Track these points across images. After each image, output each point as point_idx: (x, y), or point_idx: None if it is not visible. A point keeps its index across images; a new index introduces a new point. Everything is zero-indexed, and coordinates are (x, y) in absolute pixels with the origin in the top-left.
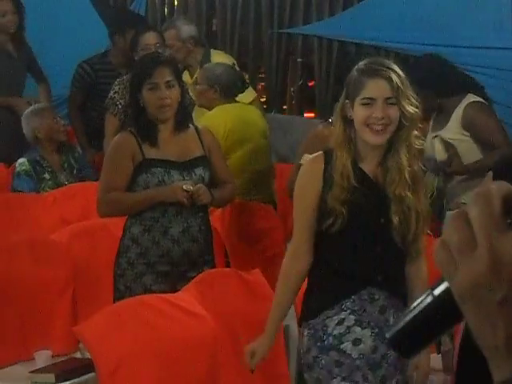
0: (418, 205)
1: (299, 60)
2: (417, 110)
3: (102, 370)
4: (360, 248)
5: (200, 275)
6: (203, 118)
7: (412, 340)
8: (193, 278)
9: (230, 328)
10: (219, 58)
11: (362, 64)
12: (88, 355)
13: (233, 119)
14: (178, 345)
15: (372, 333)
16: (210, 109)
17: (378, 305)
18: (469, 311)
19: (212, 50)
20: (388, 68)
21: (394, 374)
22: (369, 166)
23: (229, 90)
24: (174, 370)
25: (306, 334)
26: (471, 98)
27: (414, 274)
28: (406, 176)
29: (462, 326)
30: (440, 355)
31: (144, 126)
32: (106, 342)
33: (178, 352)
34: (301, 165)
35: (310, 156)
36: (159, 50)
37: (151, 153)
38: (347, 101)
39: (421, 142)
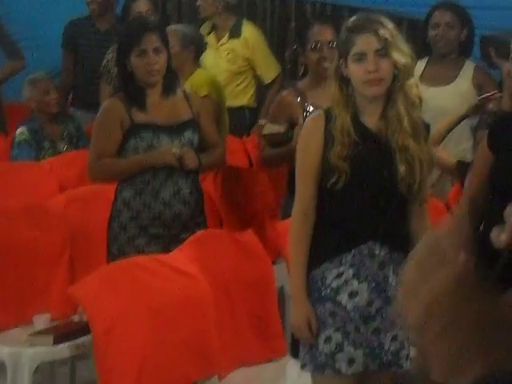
0: (421, 153)
1: (293, 24)
2: (409, 59)
3: (96, 328)
4: (363, 203)
5: (193, 236)
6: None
7: None
8: (185, 240)
9: (223, 287)
10: (250, 28)
11: (349, 22)
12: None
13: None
14: (171, 304)
15: (369, 286)
16: (187, 75)
17: (378, 260)
18: None
19: (244, 19)
20: (375, 21)
21: (391, 329)
22: (370, 120)
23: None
24: (168, 329)
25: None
26: (470, 62)
27: (420, 230)
28: (406, 124)
29: None
30: None
31: (132, 91)
32: (100, 302)
33: (171, 311)
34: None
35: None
36: (151, 17)
37: (140, 117)
38: (341, 60)
39: (417, 90)
